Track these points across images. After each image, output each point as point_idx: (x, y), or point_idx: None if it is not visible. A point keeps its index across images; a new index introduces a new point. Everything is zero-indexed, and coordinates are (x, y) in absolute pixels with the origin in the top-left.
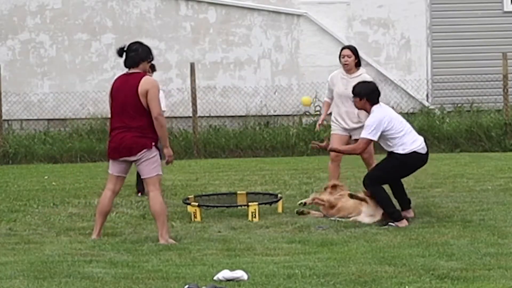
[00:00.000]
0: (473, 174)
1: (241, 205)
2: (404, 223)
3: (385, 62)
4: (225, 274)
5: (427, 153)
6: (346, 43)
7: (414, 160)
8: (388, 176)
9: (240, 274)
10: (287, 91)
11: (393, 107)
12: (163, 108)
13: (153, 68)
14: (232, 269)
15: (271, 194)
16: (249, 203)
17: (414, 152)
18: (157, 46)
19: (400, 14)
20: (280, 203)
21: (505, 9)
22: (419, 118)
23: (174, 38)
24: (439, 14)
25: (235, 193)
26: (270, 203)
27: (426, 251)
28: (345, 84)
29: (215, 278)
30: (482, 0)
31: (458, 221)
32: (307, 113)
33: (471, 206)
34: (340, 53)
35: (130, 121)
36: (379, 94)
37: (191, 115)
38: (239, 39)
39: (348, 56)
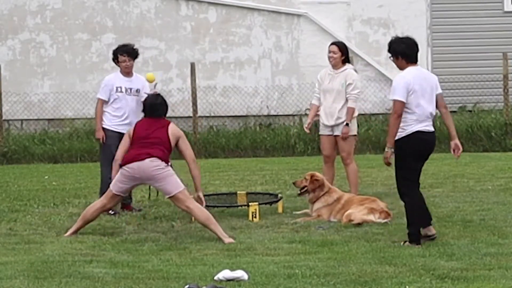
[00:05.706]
0: (474, 174)
1: (241, 205)
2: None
3: (386, 62)
4: (225, 274)
5: None
6: (346, 43)
7: None
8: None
9: (240, 274)
10: (287, 91)
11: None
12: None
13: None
14: (232, 269)
15: (271, 194)
16: (250, 203)
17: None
18: (157, 46)
19: (400, 14)
20: (280, 203)
21: (505, 9)
22: None
23: (174, 38)
24: (439, 14)
25: (235, 193)
26: (270, 203)
27: (426, 251)
28: (329, 79)
29: (215, 278)
30: (482, 0)
31: (458, 221)
32: (308, 112)
33: (471, 206)
34: (328, 49)
35: None
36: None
37: (191, 115)
38: (239, 39)
39: (334, 52)
